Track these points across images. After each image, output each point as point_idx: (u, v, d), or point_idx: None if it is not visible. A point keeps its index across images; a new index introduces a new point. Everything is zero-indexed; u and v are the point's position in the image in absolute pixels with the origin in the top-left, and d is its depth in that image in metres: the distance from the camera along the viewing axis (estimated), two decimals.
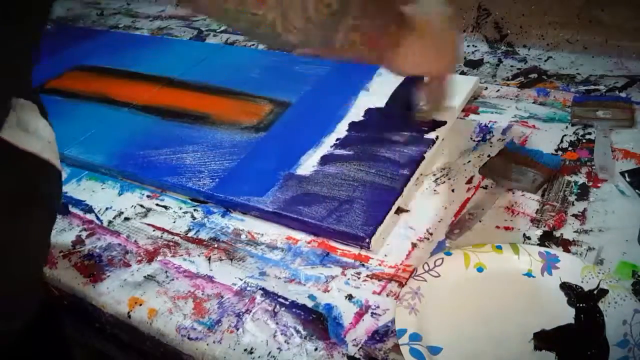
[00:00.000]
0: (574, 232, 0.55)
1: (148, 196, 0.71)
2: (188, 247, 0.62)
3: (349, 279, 0.55)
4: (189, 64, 0.98)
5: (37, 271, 0.48)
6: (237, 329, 0.51)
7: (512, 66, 0.86)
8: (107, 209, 0.70)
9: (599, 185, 0.60)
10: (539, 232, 0.56)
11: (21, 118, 0.39)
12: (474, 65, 0.88)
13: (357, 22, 0.46)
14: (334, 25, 0.45)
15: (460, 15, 0.93)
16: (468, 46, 0.92)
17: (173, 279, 0.58)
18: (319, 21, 0.44)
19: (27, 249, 0.43)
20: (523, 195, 0.61)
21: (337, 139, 0.72)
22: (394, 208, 0.61)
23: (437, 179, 0.65)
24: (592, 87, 0.77)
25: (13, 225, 0.39)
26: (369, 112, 0.76)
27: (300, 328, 0.51)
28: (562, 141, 0.68)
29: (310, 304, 0.53)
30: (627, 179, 0.60)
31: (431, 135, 0.69)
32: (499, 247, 0.53)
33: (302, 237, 0.60)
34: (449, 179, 0.65)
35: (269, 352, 0.49)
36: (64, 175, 0.77)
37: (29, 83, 0.42)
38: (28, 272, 0.45)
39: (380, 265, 0.56)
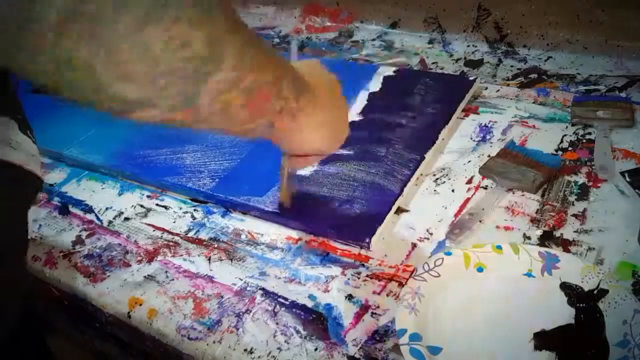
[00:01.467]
0: (574, 232, 0.55)
1: (148, 196, 0.71)
2: (188, 247, 0.62)
3: (349, 279, 0.55)
4: None
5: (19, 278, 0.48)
6: (237, 329, 0.51)
7: (512, 66, 0.86)
8: (107, 209, 0.70)
9: (599, 185, 0.60)
10: (539, 232, 0.56)
11: (4, 134, 0.41)
12: (474, 65, 0.88)
13: (236, 75, 0.32)
14: (198, 75, 0.30)
15: (460, 16, 0.93)
16: (468, 46, 0.92)
17: (173, 279, 0.58)
18: (173, 64, 0.28)
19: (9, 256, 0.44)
20: (523, 195, 0.61)
21: None
22: (394, 208, 0.61)
23: (437, 179, 0.65)
24: (592, 87, 0.77)
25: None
26: (368, 111, 0.76)
27: (300, 328, 0.51)
28: (562, 141, 0.68)
29: (310, 303, 0.53)
30: (627, 179, 0.59)
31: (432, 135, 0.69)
32: (499, 247, 0.53)
33: (302, 237, 0.60)
34: (449, 179, 0.65)
35: (269, 352, 0.49)
36: (64, 176, 0.78)
37: (10, 99, 0.44)
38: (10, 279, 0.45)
39: (380, 265, 0.56)
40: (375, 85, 0.82)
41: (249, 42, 0.32)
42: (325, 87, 0.47)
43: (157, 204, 0.69)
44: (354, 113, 0.76)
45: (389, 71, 0.85)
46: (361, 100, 0.79)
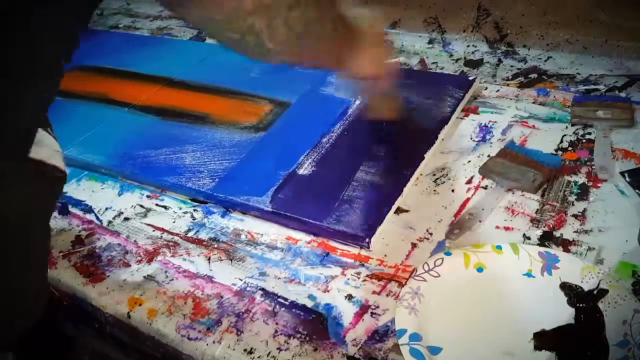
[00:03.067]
0: (574, 232, 0.55)
1: (148, 196, 0.71)
2: (188, 247, 0.62)
3: (348, 278, 0.55)
4: (189, 64, 0.98)
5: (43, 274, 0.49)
6: (237, 329, 0.51)
7: (512, 66, 0.86)
8: (106, 209, 0.70)
9: (599, 185, 0.60)
10: (539, 232, 0.56)
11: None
12: (474, 65, 0.88)
13: (333, 34, 0.51)
14: (305, 36, 0.48)
15: (460, 16, 0.93)
16: (468, 46, 0.92)
17: (173, 279, 0.58)
18: (297, 32, 0.47)
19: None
20: (523, 195, 0.61)
21: (337, 139, 0.72)
22: (394, 208, 0.61)
23: (437, 179, 0.65)
24: (592, 87, 0.77)
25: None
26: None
27: (300, 328, 0.51)
28: (562, 141, 0.68)
29: (310, 304, 0.53)
30: (627, 179, 0.60)
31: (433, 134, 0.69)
32: (499, 247, 0.53)
33: (302, 237, 0.60)
34: (449, 179, 0.65)
35: (269, 352, 0.49)
36: None
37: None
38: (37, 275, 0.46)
39: (380, 265, 0.56)
40: None
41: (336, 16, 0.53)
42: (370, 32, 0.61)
43: (156, 204, 0.69)
44: (355, 113, 0.76)
45: None
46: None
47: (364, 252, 0.57)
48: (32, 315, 0.46)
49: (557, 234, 0.56)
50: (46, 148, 0.44)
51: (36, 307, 0.47)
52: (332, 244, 0.59)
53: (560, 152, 0.66)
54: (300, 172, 0.67)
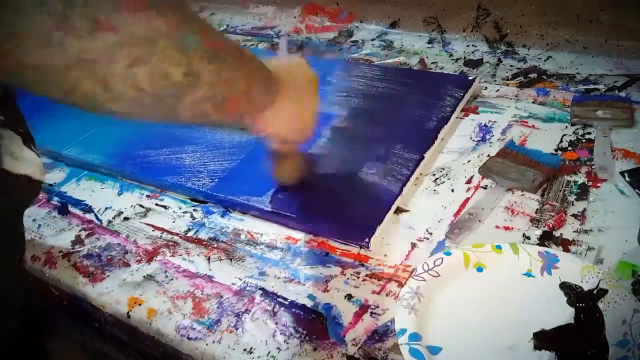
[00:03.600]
0: (574, 232, 0.55)
1: (148, 196, 0.71)
2: (188, 247, 0.62)
3: (348, 278, 0.55)
4: None
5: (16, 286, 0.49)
6: (237, 329, 0.51)
7: (512, 66, 0.86)
8: (106, 209, 0.70)
9: (599, 185, 0.60)
10: (539, 232, 0.56)
11: (9, 148, 0.42)
12: (474, 65, 0.88)
13: (211, 92, 0.39)
14: (177, 95, 0.37)
15: (460, 16, 0.93)
16: (468, 46, 0.92)
17: (173, 279, 0.58)
18: (156, 91, 0.36)
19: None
20: (523, 195, 0.61)
21: (337, 139, 0.72)
22: (394, 208, 0.61)
23: (437, 179, 0.65)
24: (592, 86, 0.77)
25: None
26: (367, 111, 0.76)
27: (300, 328, 0.51)
28: (562, 141, 0.68)
29: (309, 304, 0.53)
30: (627, 179, 0.59)
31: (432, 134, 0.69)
32: (499, 247, 0.53)
33: (302, 237, 0.60)
34: (449, 179, 0.65)
35: (269, 352, 0.49)
36: (64, 176, 0.78)
37: (13, 113, 0.45)
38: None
39: (380, 265, 0.56)
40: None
41: (224, 65, 0.40)
42: (300, 84, 0.54)
43: (156, 204, 0.69)
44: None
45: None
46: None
47: (364, 252, 0.57)
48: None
49: (557, 234, 0.56)
50: (26, 163, 0.44)
51: (5, 318, 0.46)
52: (332, 244, 0.59)
53: (560, 152, 0.66)
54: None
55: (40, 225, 0.69)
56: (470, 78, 0.79)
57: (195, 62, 0.36)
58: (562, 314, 0.47)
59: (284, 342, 0.50)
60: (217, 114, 0.41)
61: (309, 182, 0.65)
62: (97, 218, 0.69)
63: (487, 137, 0.71)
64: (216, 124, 0.47)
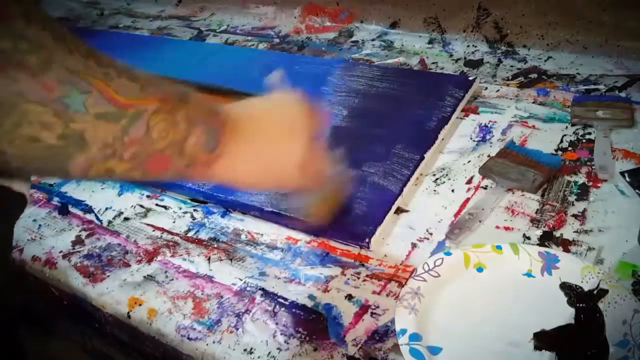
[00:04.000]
0: (574, 232, 0.55)
1: (148, 196, 0.71)
2: (188, 247, 0.62)
3: (348, 278, 0.55)
4: (189, 64, 0.98)
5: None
6: (237, 329, 0.51)
7: (512, 66, 0.86)
8: (106, 209, 0.70)
9: (599, 185, 0.60)
10: (539, 232, 0.56)
11: None
12: (474, 65, 0.88)
13: (110, 151, 0.33)
14: (56, 155, 0.32)
15: (460, 16, 0.93)
16: (468, 46, 0.92)
17: (173, 279, 0.58)
18: (22, 154, 0.31)
19: None
20: (523, 195, 0.61)
21: (337, 138, 0.72)
22: (394, 208, 0.61)
23: (437, 179, 0.65)
24: (592, 87, 0.77)
25: None
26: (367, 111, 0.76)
27: (300, 328, 0.51)
28: (562, 141, 0.68)
29: (310, 303, 0.53)
30: (627, 179, 0.60)
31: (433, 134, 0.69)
32: (499, 247, 0.53)
33: (302, 237, 0.60)
34: (449, 179, 0.65)
35: (269, 352, 0.49)
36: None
37: None
38: None
39: (380, 265, 0.56)
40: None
41: (133, 122, 0.34)
42: (277, 124, 0.46)
43: (156, 204, 0.69)
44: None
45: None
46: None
47: (364, 252, 0.57)
48: None
49: (557, 234, 0.56)
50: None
51: None
52: (332, 244, 0.59)
53: (560, 152, 0.66)
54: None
55: (40, 225, 0.69)
56: (470, 78, 0.79)
57: (78, 122, 0.31)
58: (562, 314, 0.47)
59: (284, 342, 0.50)
60: (139, 173, 0.36)
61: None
62: (97, 218, 0.69)
63: (487, 137, 0.71)
64: (149, 179, 0.39)
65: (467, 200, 0.61)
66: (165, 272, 0.59)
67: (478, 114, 0.76)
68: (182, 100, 0.39)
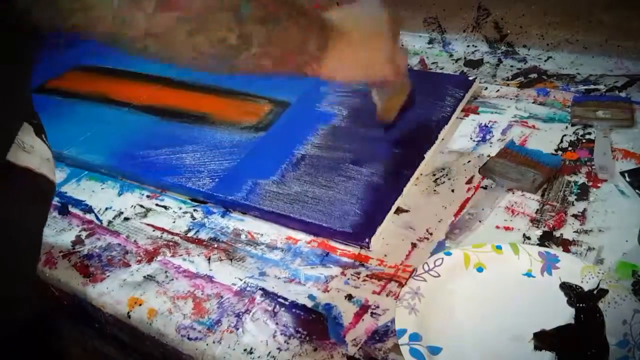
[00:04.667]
0: (574, 232, 0.55)
1: (148, 196, 0.71)
2: (188, 247, 0.62)
3: (348, 278, 0.55)
4: None
5: (31, 273, 0.49)
6: (237, 329, 0.51)
7: (512, 66, 0.86)
8: (106, 209, 0.70)
9: (599, 185, 0.60)
10: (539, 232, 0.56)
11: (18, 138, 0.43)
12: (474, 65, 0.88)
13: (263, 50, 0.44)
14: (234, 54, 0.43)
15: (460, 16, 0.93)
16: (468, 46, 0.92)
17: (173, 279, 0.58)
18: (213, 52, 0.42)
19: (22, 250, 0.45)
20: (523, 195, 0.61)
21: (337, 138, 0.72)
22: (394, 208, 0.61)
23: (437, 179, 0.65)
24: (592, 86, 0.77)
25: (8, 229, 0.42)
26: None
27: (300, 328, 0.51)
28: (562, 141, 0.68)
29: (310, 304, 0.53)
30: (627, 179, 0.59)
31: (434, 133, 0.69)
32: (499, 247, 0.53)
33: (302, 237, 0.60)
34: (449, 179, 0.65)
35: (269, 352, 0.49)
36: (64, 176, 0.78)
37: (29, 105, 0.45)
38: (23, 274, 0.46)
39: (380, 265, 0.56)
40: None
41: (276, 27, 0.44)
42: (367, 29, 0.54)
43: (156, 204, 0.69)
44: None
45: None
46: None
47: (364, 252, 0.57)
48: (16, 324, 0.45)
49: (557, 234, 0.56)
50: (36, 156, 0.43)
51: (23, 316, 0.46)
52: (332, 244, 0.59)
53: (560, 152, 0.66)
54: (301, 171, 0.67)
55: None
56: (470, 78, 0.79)
57: (247, 26, 0.42)
58: (562, 314, 0.47)
59: (284, 342, 0.50)
60: (273, 67, 0.46)
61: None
62: (97, 218, 0.69)
63: (487, 137, 0.71)
64: (277, 73, 0.49)
65: (467, 200, 0.61)
66: (165, 272, 0.59)
67: (478, 114, 0.76)
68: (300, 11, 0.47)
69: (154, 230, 0.65)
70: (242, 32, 0.41)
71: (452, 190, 0.63)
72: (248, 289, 0.55)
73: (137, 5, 0.37)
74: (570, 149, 0.66)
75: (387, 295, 0.52)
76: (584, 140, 0.67)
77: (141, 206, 0.69)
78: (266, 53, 0.45)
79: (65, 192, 0.74)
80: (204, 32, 0.40)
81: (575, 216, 0.57)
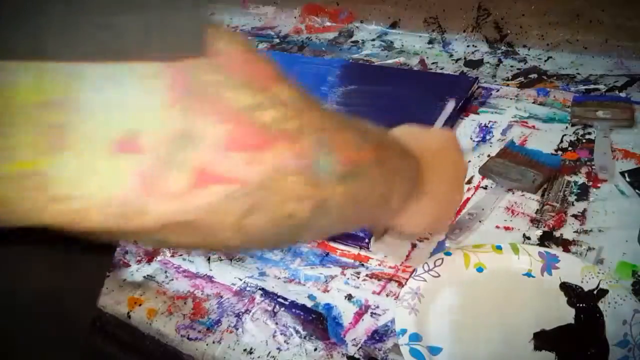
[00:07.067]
0: (574, 232, 0.55)
1: None
2: None
3: (348, 278, 0.55)
4: None
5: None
6: (237, 329, 0.51)
7: (512, 66, 0.86)
8: None
9: (599, 185, 0.60)
10: (539, 232, 0.56)
11: None
12: (474, 65, 0.88)
13: (337, 216, 0.30)
14: (300, 229, 0.29)
15: (460, 16, 0.93)
16: (468, 46, 0.92)
17: (172, 279, 0.58)
18: (275, 232, 0.28)
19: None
20: (523, 195, 0.61)
21: None
22: None
23: None
24: (592, 86, 0.77)
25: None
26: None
27: (299, 328, 0.51)
28: (562, 141, 0.68)
29: (309, 303, 0.53)
30: (627, 179, 0.59)
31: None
32: (499, 247, 0.53)
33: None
34: None
35: (269, 352, 0.49)
36: None
37: None
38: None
39: (380, 265, 0.56)
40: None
41: (358, 181, 0.30)
42: (446, 169, 0.45)
43: None
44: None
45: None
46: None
47: (363, 252, 0.57)
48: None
49: (557, 234, 0.56)
50: None
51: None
52: (332, 244, 0.59)
53: (560, 152, 0.66)
54: None
55: None
56: (470, 78, 0.79)
57: (326, 189, 0.27)
58: (562, 314, 0.47)
59: (284, 342, 0.50)
60: (343, 228, 0.35)
61: None
62: None
63: (487, 137, 0.71)
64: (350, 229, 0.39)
65: (467, 200, 0.61)
66: (165, 272, 0.59)
67: (478, 114, 0.76)
68: (381, 146, 0.33)
69: None
70: (318, 200, 0.27)
71: None
72: (248, 289, 0.55)
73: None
74: (570, 149, 0.66)
75: (387, 296, 0.52)
76: (584, 140, 0.67)
77: None
78: (340, 220, 0.31)
79: None
80: (264, 210, 0.25)
81: (575, 216, 0.57)
